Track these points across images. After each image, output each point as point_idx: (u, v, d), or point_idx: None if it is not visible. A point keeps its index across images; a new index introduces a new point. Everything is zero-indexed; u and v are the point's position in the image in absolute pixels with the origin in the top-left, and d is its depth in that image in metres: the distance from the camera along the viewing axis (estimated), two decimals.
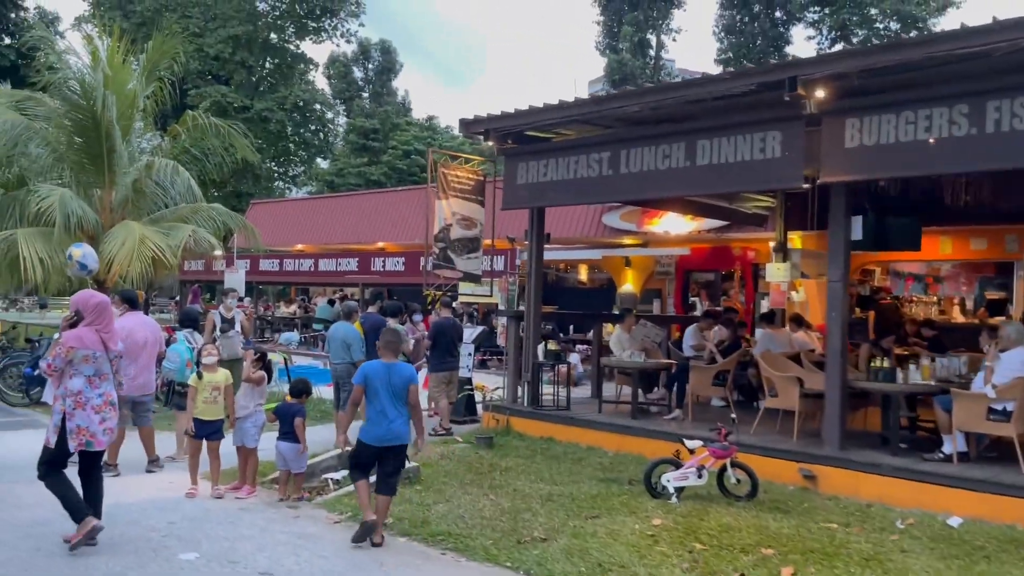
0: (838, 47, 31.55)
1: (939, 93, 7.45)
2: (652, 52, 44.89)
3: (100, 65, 13.29)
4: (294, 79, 45.75)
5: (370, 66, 58.77)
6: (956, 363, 9.45)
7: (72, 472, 6.27)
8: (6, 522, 6.68)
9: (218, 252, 16.30)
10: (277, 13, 45.09)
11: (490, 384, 13.60)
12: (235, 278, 19.35)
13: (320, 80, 54.05)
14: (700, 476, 7.69)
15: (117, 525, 6.61)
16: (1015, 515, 7.06)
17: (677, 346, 12.83)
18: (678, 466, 7.80)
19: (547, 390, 11.52)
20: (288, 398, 8.08)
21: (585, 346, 17.89)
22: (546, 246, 12.08)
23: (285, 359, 14.98)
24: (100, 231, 12.80)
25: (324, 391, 12.42)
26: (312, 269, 27.25)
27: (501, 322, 17.43)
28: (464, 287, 14.16)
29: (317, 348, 21.82)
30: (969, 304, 16.82)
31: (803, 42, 57.08)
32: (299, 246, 29.15)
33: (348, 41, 49.46)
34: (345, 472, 7.68)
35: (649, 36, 44.69)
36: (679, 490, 7.68)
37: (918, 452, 8.33)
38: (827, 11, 38.21)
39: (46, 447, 6.13)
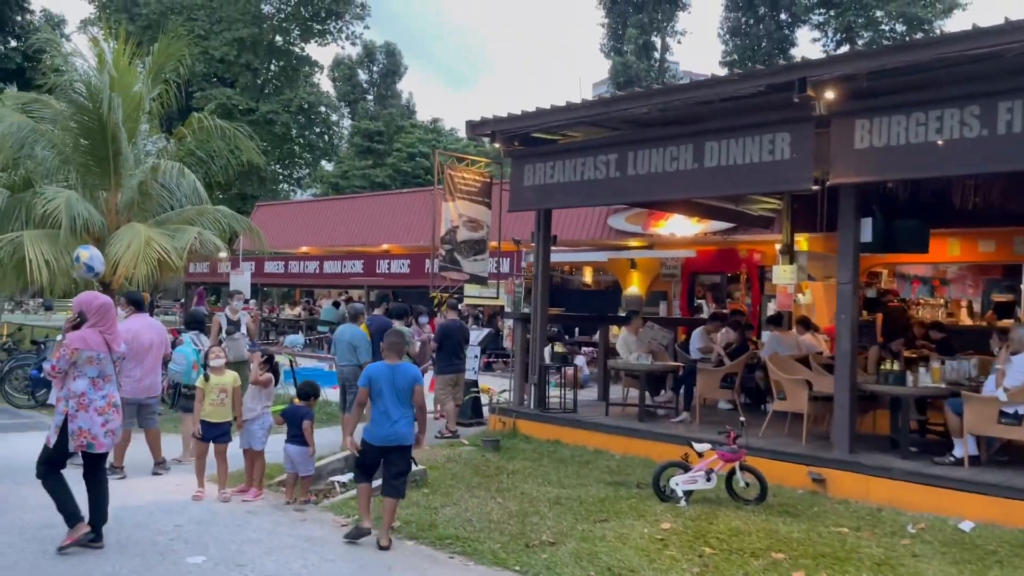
0: (843, 49, 31.49)
1: (950, 94, 7.40)
2: (657, 54, 44.88)
3: (106, 67, 13.30)
4: (299, 82, 45.83)
5: (375, 69, 58.92)
6: (966, 366, 9.39)
7: (77, 474, 6.26)
8: (12, 524, 6.66)
9: (223, 254, 16.28)
10: (282, 16, 45.20)
11: (495, 386, 13.57)
12: (240, 280, 19.37)
13: (325, 83, 54.21)
14: (709, 479, 7.64)
15: (124, 528, 6.59)
16: None
17: (684, 348, 12.78)
18: (687, 469, 7.76)
19: (553, 393, 11.48)
20: (296, 400, 8.06)
21: (591, 348, 17.84)
22: (552, 248, 12.04)
23: (291, 361, 14.96)
24: (106, 233, 12.80)
25: (329, 393, 12.39)
26: (317, 271, 27.29)
27: (507, 324, 17.40)
28: (469, 289, 14.17)
29: (322, 350, 21.81)
30: (976, 306, 16.75)
31: (808, 44, 57.11)
32: (304, 248, 29.16)
33: (353, 44, 49.68)
34: (351, 475, 7.65)
35: (654, 38, 44.68)
36: (688, 493, 7.63)
37: (928, 456, 8.27)
38: (832, 13, 38.20)
39: (46, 446, 6.14)
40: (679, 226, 18.14)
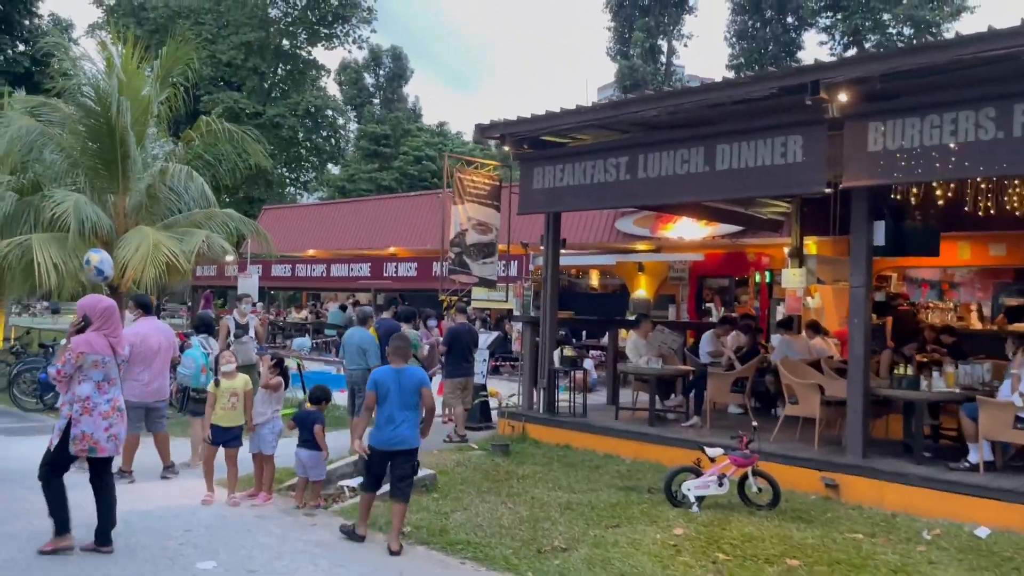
0: (851, 52, 31.43)
1: (964, 96, 7.36)
2: (663, 58, 44.84)
3: (115, 71, 13.28)
4: (306, 85, 45.86)
5: (381, 72, 58.97)
6: (979, 370, 9.32)
7: (84, 478, 6.23)
8: (23, 529, 6.62)
9: (230, 258, 16.27)
10: (289, 20, 45.25)
11: (503, 390, 13.52)
12: (248, 283, 19.36)
13: (331, 86, 54.24)
14: (721, 485, 7.59)
15: (133, 533, 6.56)
16: None
17: (692, 352, 12.72)
18: (698, 474, 7.70)
19: (562, 396, 11.43)
20: (308, 405, 8.02)
21: (599, 352, 17.78)
22: (560, 251, 11.98)
23: (298, 364, 14.93)
24: (114, 236, 12.78)
25: (337, 397, 12.33)
26: (324, 274, 27.26)
27: (516, 328, 17.35)
28: (477, 292, 14.12)
29: (329, 354, 21.79)
30: (986, 310, 16.64)
31: (815, 47, 56.87)
32: (311, 251, 29.15)
33: (360, 47, 49.63)
34: (360, 479, 7.60)
35: (660, 42, 44.65)
36: (700, 499, 7.58)
37: (943, 461, 8.20)
38: (839, 16, 38.09)
39: (48, 449, 6.13)
40: (687, 229, 18.06)
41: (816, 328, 12.50)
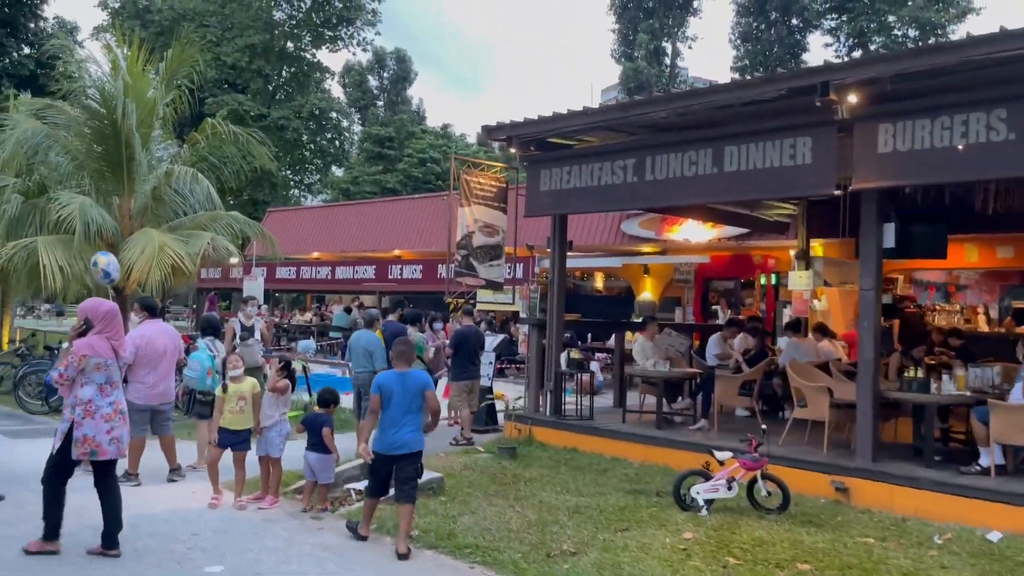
0: (856, 54, 31.34)
1: (976, 97, 7.30)
2: (667, 60, 44.81)
3: (120, 73, 13.26)
4: (310, 87, 45.92)
5: (385, 75, 59.01)
6: (989, 373, 9.25)
7: (89, 482, 6.21)
8: (30, 533, 6.55)
9: (235, 260, 16.25)
10: (294, 22, 45.30)
11: (509, 393, 13.48)
12: (254, 286, 19.35)
13: (336, 89, 54.29)
14: (730, 488, 7.53)
15: (140, 536, 6.53)
16: None
17: (699, 355, 12.67)
18: (707, 478, 7.65)
19: (568, 399, 11.38)
20: (316, 408, 7.99)
21: (604, 354, 17.73)
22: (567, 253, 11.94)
23: (303, 367, 14.91)
24: (119, 239, 12.77)
25: (343, 399, 12.31)
26: (329, 277, 27.28)
27: (522, 330, 17.31)
28: (483, 294, 14.08)
29: (334, 356, 21.77)
30: (993, 313, 16.57)
31: (820, 49, 56.81)
32: (316, 254, 29.16)
33: (364, 50, 49.66)
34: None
35: (664, 44, 44.63)
36: (709, 502, 7.52)
37: (953, 465, 8.15)
38: (845, 18, 38.04)
39: (51, 453, 6.12)
40: (693, 231, 18.02)
41: (823, 330, 12.46)
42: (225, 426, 7.67)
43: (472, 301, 14.74)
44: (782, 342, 13.47)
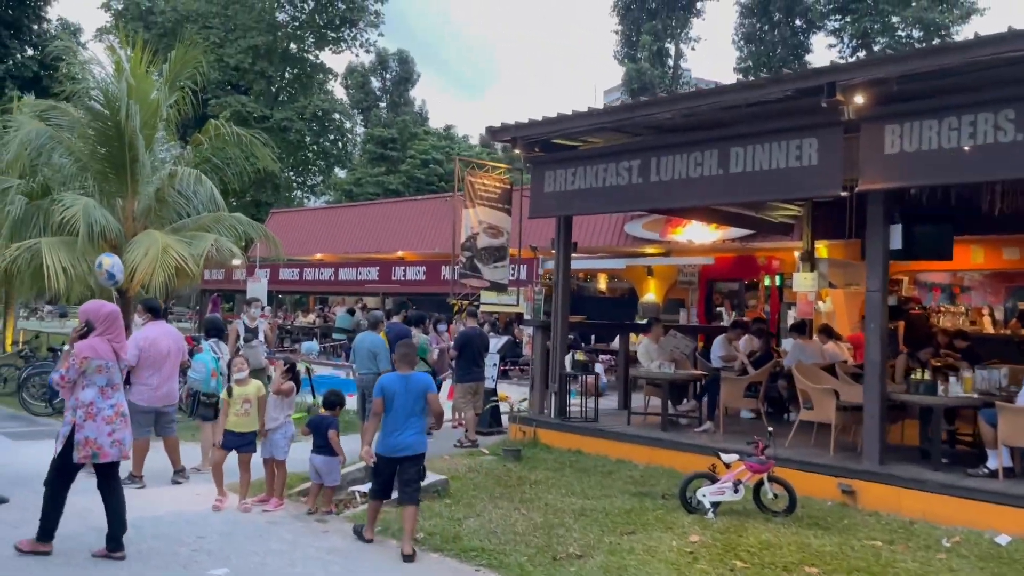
0: (860, 55, 31.29)
1: (983, 98, 7.26)
2: (671, 61, 44.79)
3: (123, 75, 13.26)
4: (313, 89, 45.92)
5: (387, 76, 59.02)
6: (996, 375, 9.20)
7: (93, 484, 6.20)
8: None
9: (238, 261, 16.24)
10: (297, 24, 45.31)
11: (513, 395, 13.44)
12: (257, 287, 19.32)
13: (338, 90, 54.30)
14: (736, 491, 7.50)
15: (144, 538, 6.51)
16: None
17: (704, 356, 12.63)
18: (714, 480, 7.61)
19: (573, 401, 11.34)
20: (322, 410, 7.97)
21: (608, 356, 17.70)
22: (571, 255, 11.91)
23: (307, 369, 14.89)
24: (123, 240, 12.76)
25: (347, 401, 12.29)
26: (332, 278, 27.25)
27: (526, 332, 17.28)
28: (487, 296, 14.04)
29: (338, 358, 21.75)
30: (998, 314, 16.52)
31: (823, 50, 56.85)
32: (319, 255, 29.13)
33: (367, 51, 49.66)
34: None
35: (668, 45, 44.60)
36: (715, 505, 7.49)
37: (961, 467, 8.10)
38: (848, 19, 37.97)
39: (53, 456, 6.11)
40: (697, 233, 17.99)
41: (829, 332, 12.42)
42: (230, 428, 7.65)
43: (476, 303, 14.70)
44: (786, 344, 13.45)
